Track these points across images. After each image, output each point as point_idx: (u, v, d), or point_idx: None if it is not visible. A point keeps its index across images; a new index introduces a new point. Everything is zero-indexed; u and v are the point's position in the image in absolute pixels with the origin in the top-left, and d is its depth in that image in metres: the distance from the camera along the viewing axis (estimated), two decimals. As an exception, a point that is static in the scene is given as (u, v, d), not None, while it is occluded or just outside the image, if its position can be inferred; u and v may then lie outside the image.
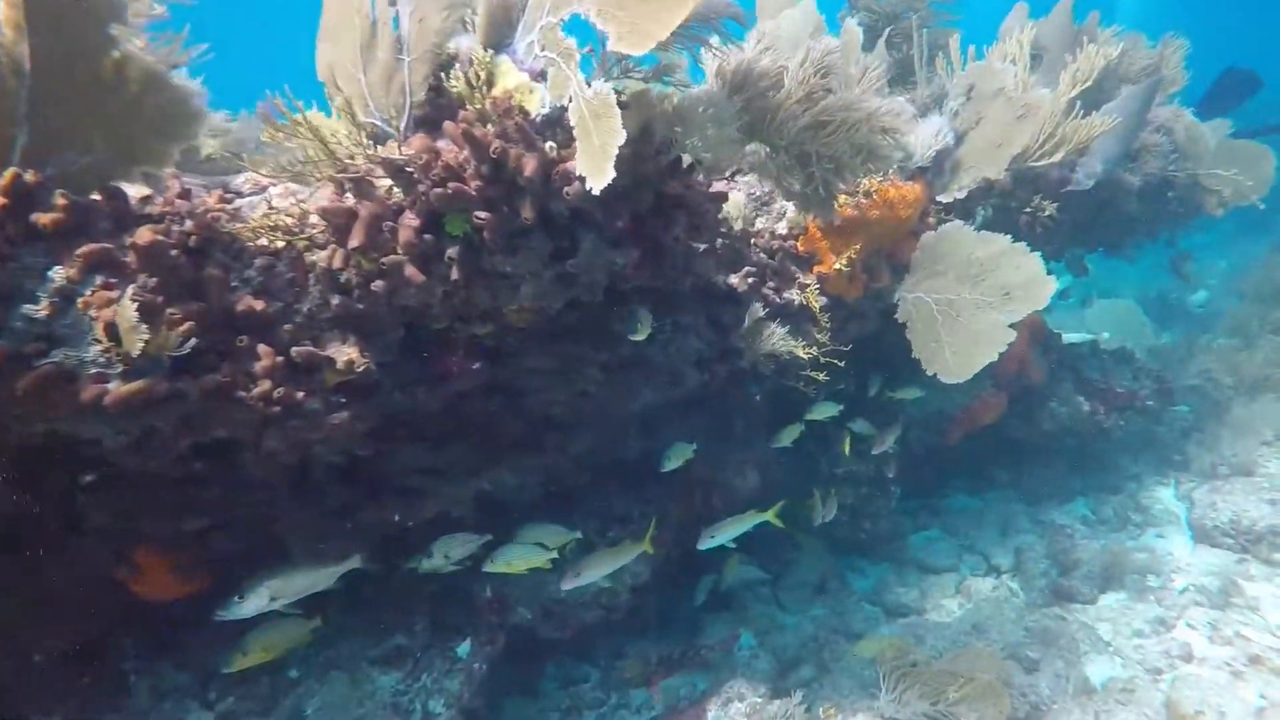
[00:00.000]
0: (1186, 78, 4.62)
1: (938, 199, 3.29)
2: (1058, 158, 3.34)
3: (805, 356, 3.07)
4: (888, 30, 4.05)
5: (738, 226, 3.02)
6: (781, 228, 3.12)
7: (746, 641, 3.74)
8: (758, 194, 3.16)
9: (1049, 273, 5.60)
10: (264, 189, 2.01)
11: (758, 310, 3.00)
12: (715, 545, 2.71)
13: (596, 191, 1.54)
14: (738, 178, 3.21)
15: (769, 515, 2.85)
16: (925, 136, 3.21)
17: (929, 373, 3.09)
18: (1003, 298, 3.00)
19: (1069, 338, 7.86)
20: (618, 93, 1.83)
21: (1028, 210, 4.24)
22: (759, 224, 3.16)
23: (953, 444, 4.53)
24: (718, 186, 3.15)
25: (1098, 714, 2.99)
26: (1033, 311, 3.04)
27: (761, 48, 2.17)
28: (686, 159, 2.06)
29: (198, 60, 1.97)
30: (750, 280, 3.07)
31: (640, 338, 2.55)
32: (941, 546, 4.58)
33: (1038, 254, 3.01)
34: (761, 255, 3.15)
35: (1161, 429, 5.57)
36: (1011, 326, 3.02)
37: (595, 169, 1.55)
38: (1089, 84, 3.33)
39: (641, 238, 2.04)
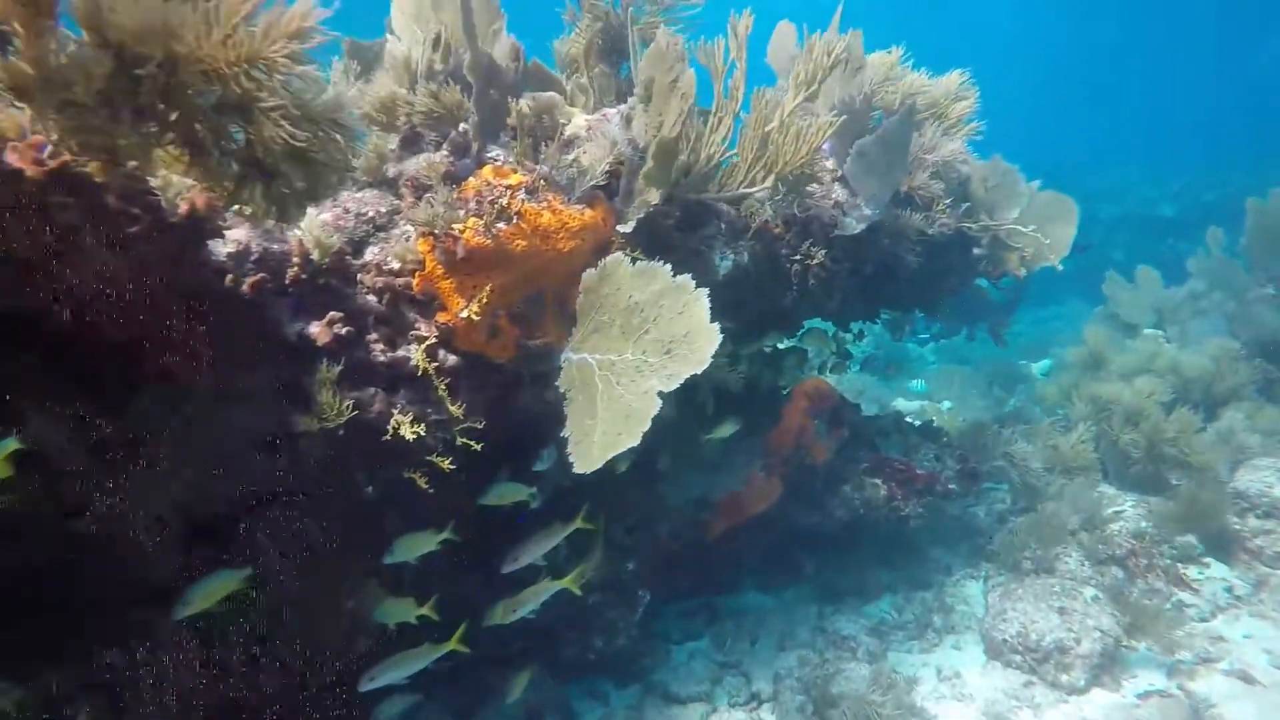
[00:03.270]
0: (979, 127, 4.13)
1: (618, 229, 2.53)
2: (769, 182, 2.66)
3: (412, 436, 2.20)
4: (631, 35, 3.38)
5: (316, 255, 2.15)
6: (394, 261, 2.28)
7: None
8: (370, 213, 2.32)
9: (855, 331, 5.05)
10: None
11: (332, 372, 2.13)
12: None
13: None
14: (347, 193, 2.37)
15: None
16: (600, 147, 2.47)
17: (571, 460, 2.29)
18: (664, 356, 2.23)
19: (901, 407, 7.44)
20: None
21: (797, 258, 3.61)
22: (369, 254, 2.31)
23: (714, 538, 3.74)
24: (321, 210, 2.30)
25: None
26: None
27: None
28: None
29: None
30: (343, 330, 2.21)
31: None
32: (700, 665, 3.73)
33: (703, 291, 2.26)
34: (370, 297, 2.29)
35: (980, 511, 5.00)
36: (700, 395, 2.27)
37: None
38: (815, 88, 2.70)
39: None
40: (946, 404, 7.70)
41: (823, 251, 3.52)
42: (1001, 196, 4.38)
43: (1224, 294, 6.04)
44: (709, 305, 2.25)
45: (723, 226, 3.30)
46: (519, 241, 2.27)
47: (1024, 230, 4.41)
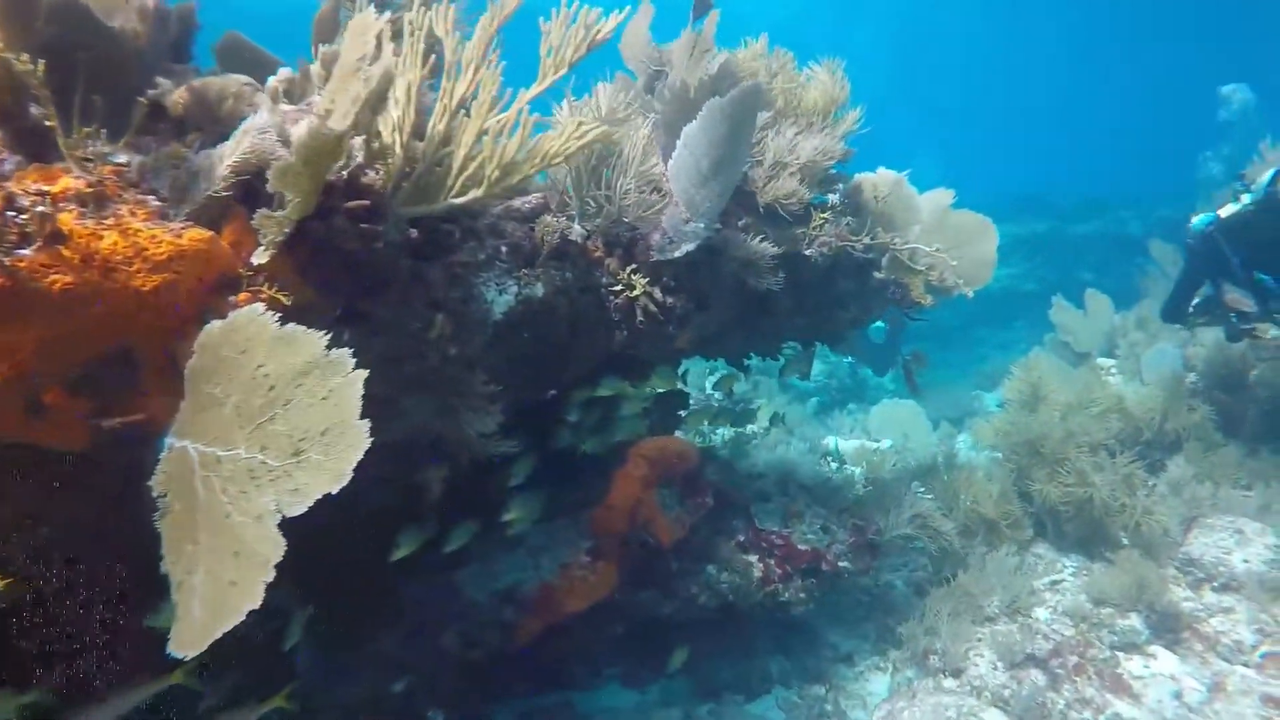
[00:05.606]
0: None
1: (253, 259, 1.77)
2: (479, 193, 1.93)
3: None
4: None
5: None
6: None
7: None
8: None
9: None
10: None
11: None
12: None
13: None
14: None
15: None
16: (234, 140, 1.72)
17: (168, 626, 1.51)
18: (291, 460, 1.47)
19: (833, 444, 6.68)
20: None
21: (616, 289, 2.87)
22: None
23: (525, 642, 2.95)
24: None
25: None
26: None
27: None
28: None
29: None
30: None
31: None
32: (506, 810, 2.93)
33: (358, 376, 1.50)
34: None
35: (898, 581, 4.25)
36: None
37: None
38: (566, 72, 1.97)
39: None
40: (887, 442, 6.96)
41: (645, 280, 2.79)
42: (896, 212, 3.68)
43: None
44: (360, 395, 1.49)
45: (502, 249, 2.57)
46: (59, 276, 1.52)
47: (926, 250, 3.70)
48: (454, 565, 2.98)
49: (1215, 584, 3.59)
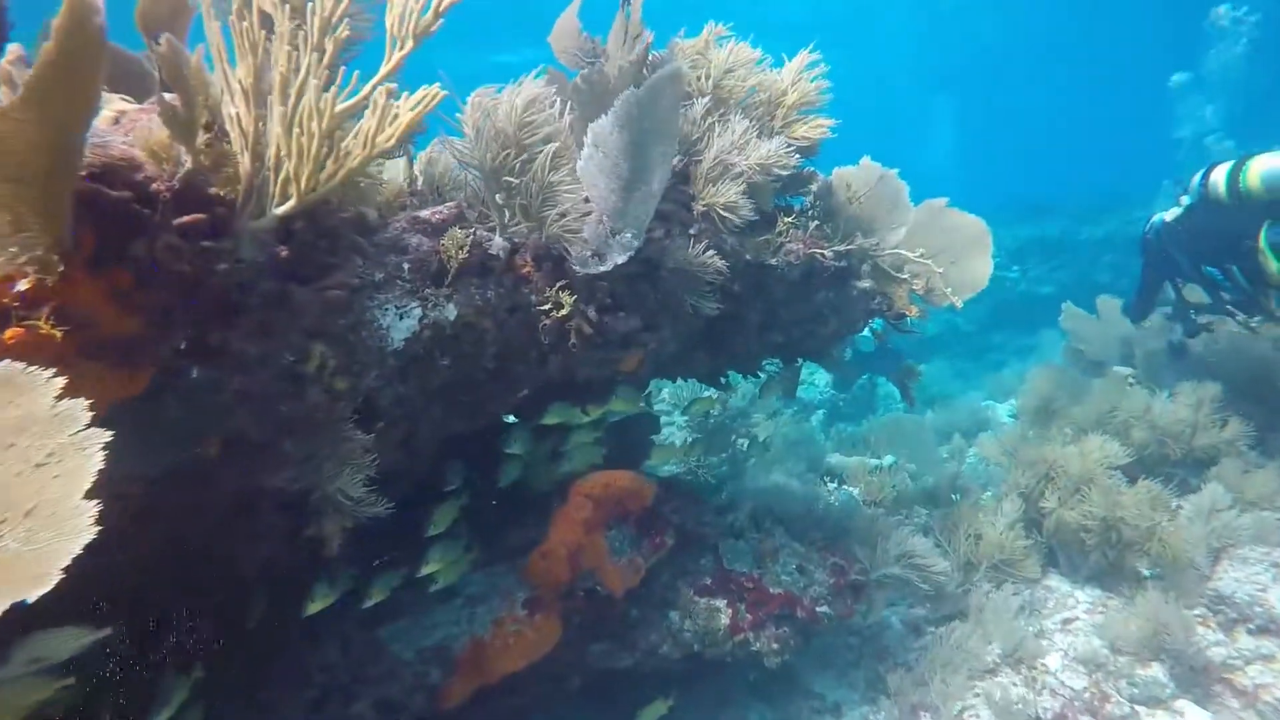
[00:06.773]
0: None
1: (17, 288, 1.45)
2: (290, 206, 1.60)
3: None
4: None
5: None
6: None
7: None
8: None
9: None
10: None
11: None
12: None
13: None
14: None
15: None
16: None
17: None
18: None
19: (836, 463, 6.27)
20: None
21: (545, 307, 2.54)
22: None
23: (452, 705, 2.61)
24: None
25: None
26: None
27: None
28: None
29: None
30: None
31: None
32: None
33: (94, 438, 1.18)
34: None
35: (895, 619, 3.85)
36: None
37: None
38: (410, 49, 1.64)
39: None
40: (889, 459, 6.54)
41: (572, 298, 2.45)
42: (878, 212, 3.32)
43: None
44: (94, 464, 1.16)
45: (404, 266, 2.25)
46: None
47: (912, 257, 3.33)
48: (379, 620, 2.65)
49: (1251, 626, 3.17)
